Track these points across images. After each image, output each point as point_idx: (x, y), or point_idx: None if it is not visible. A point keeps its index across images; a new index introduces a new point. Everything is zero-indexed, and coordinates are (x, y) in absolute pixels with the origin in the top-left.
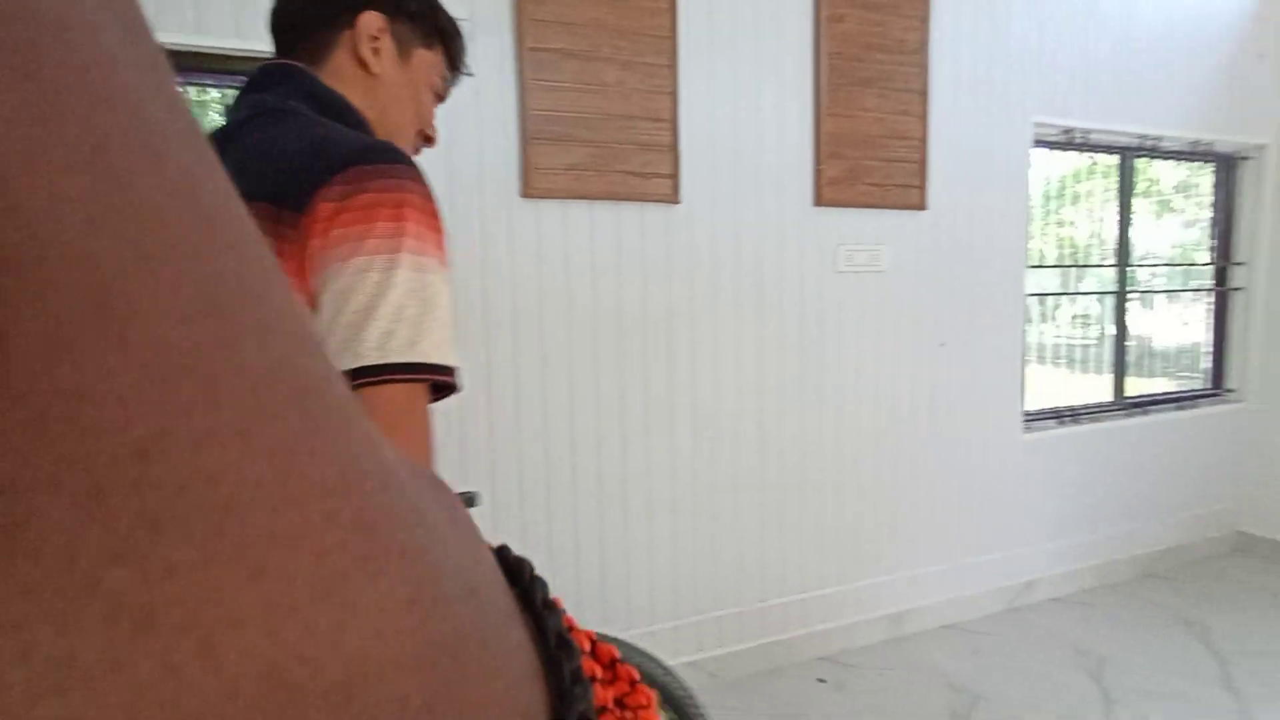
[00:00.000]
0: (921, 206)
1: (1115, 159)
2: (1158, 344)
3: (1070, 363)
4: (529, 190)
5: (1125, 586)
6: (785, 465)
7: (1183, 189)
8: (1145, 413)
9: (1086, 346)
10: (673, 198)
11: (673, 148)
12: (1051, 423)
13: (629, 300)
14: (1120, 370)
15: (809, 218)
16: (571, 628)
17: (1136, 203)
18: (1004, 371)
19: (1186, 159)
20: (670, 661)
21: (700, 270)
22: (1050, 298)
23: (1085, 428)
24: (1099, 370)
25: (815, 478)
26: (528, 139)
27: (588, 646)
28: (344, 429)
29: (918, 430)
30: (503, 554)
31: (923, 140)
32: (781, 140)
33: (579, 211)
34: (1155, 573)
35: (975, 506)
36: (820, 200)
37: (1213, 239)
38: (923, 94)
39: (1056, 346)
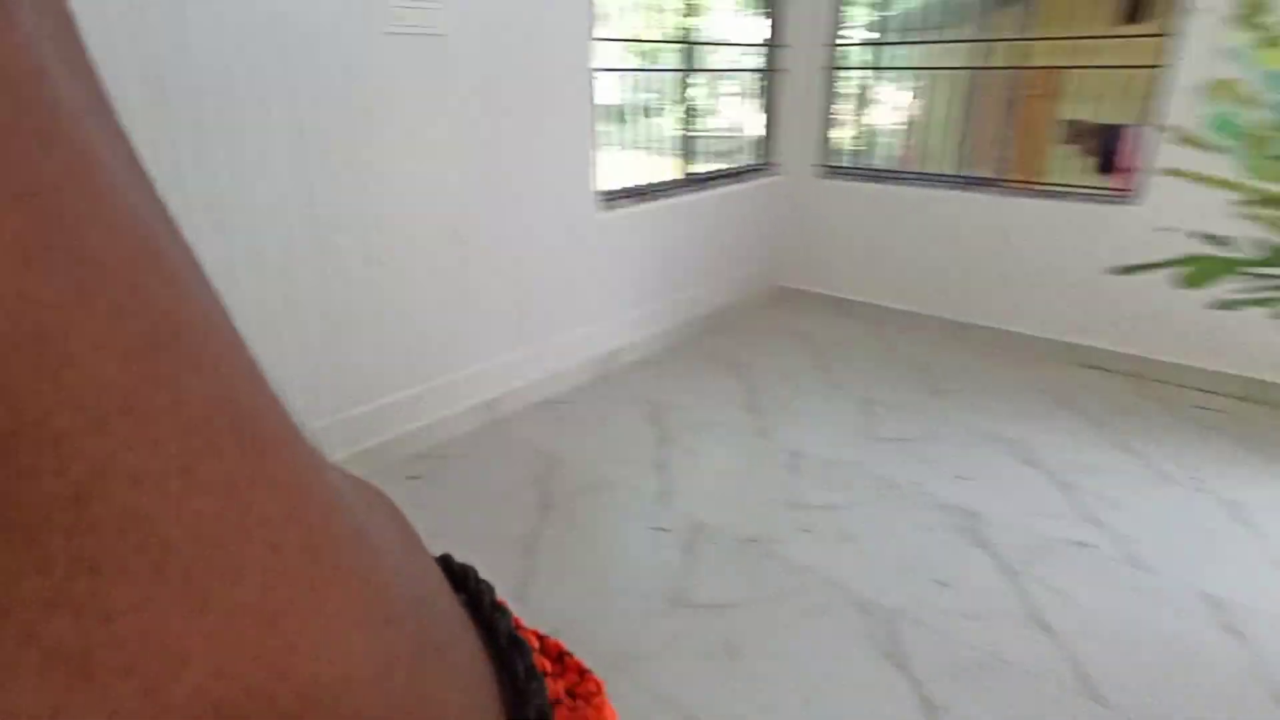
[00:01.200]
0: None
1: None
2: (724, 128)
3: (654, 150)
4: None
5: (693, 341)
6: (343, 261)
7: None
8: (707, 188)
9: (666, 135)
10: None
11: None
12: (630, 201)
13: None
14: (688, 150)
15: None
16: (519, 626)
17: None
18: (574, 148)
19: None
20: None
21: (197, 24)
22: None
23: (659, 204)
24: (676, 155)
25: (380, 273)
26: None
27: (536, 643)
28: (287, 457)
29: (488, 214)
30: (447, 562)
31: None
32: None
33: None
34: (716, 328)
35: (558, 286)
36: None
37: (767, 20)
38: None
39: (640, 136)
